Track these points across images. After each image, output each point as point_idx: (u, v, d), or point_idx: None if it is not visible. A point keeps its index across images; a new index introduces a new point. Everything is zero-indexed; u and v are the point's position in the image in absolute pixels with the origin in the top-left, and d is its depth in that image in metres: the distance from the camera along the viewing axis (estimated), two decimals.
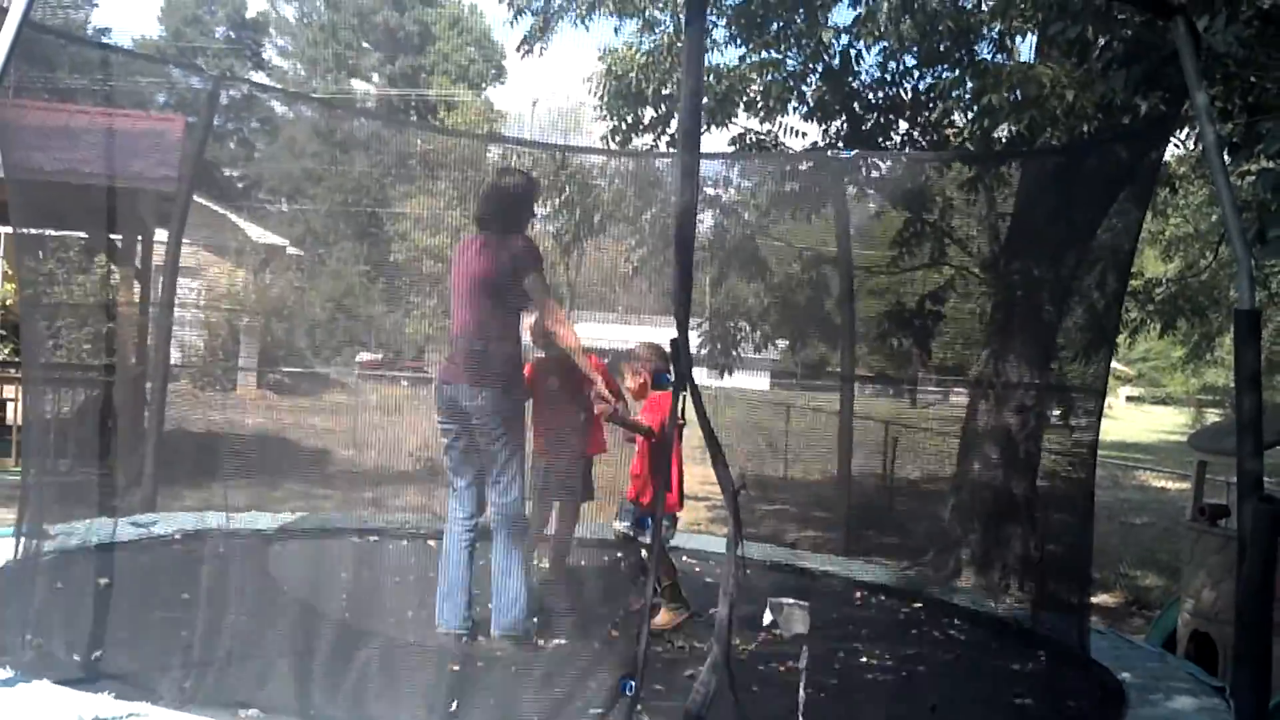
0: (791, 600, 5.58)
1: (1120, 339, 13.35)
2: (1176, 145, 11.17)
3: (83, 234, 12.28)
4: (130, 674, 4.10)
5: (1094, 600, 11.08)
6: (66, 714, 3.68)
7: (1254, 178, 9.08)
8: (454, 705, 3.96)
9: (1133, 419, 43.60)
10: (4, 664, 4.04)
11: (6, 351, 14.48)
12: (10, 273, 15.27)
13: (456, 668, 4.81)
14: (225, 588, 5.68)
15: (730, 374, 11.49)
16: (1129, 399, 54.13)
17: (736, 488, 3.76)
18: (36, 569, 5.45)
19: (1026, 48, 9.92)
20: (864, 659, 5.63)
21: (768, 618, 5.52)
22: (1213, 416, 33.99)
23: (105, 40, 38.92)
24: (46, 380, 9.12)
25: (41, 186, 6.40)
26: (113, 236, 12.05)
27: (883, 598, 7.32)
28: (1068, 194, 8.01)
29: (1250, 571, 4.46)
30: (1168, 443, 31.27)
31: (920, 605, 7.18)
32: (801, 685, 4.23)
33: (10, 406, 12.90)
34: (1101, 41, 8.27)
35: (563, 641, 5.29)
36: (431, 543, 7.58)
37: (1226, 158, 7.14)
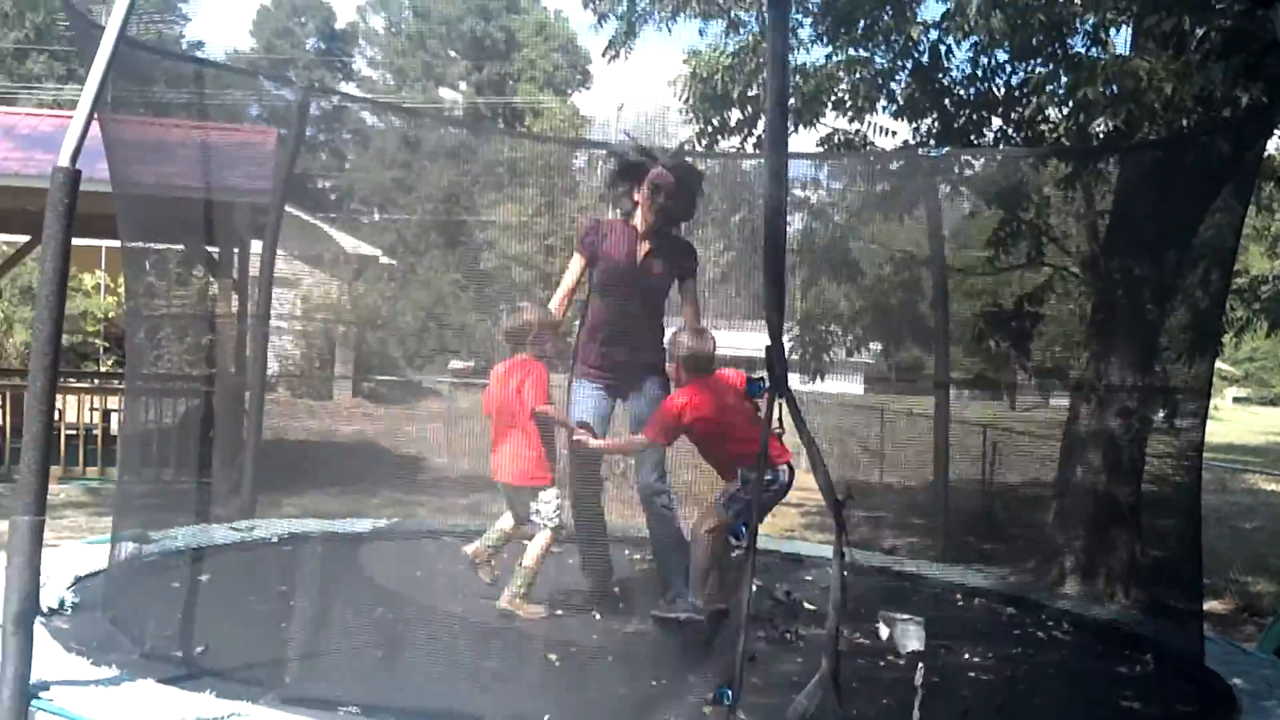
0: (906, 615, 5.48)
1: (1226, 338, 12.99)
2: None
3: (180, 246, 12.54)
4: (231, 673, 4.16)
5: (1204, 607, 10.82)
6: (169, 713, 3.74)
7: None
8: (546, 716, 3.93)
9: (1240, 420, 42.56)
10: (110, 663, 4.13)
11: (109, 364, 14.84)
12: (112, 285, 15.66)
13: (554, 659, 4.82)
14: (324, 588, 5.76)
15: (822, 379, 11.35)
16: (1235, 400, 52.86)
17: (842, 498, 3.68)
18: (140, 571, 5.58)
19: (1122, 40, 9.69)
20: (966, 656, 5.53)
21: (884, 632, 5.43)
22: None
23: (199, 54, 39.81)
24: (147, 390, 9.30)
25: (140, 200, 6.53)
26: (210, 249, 12.30)
27: (984, 600, 7.20)
28: (1168, 189, 7.81)
29: None
30: (1277, 445, 30.48)
31: (1023, 610, 7.05)
32: (916, 705, 4.12)
33: (114, 418, 13.21)
34: (1199, 32, 8.07)
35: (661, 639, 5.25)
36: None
37: None
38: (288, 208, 9.22)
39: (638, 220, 6.02)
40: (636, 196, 5.99)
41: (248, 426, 8.17)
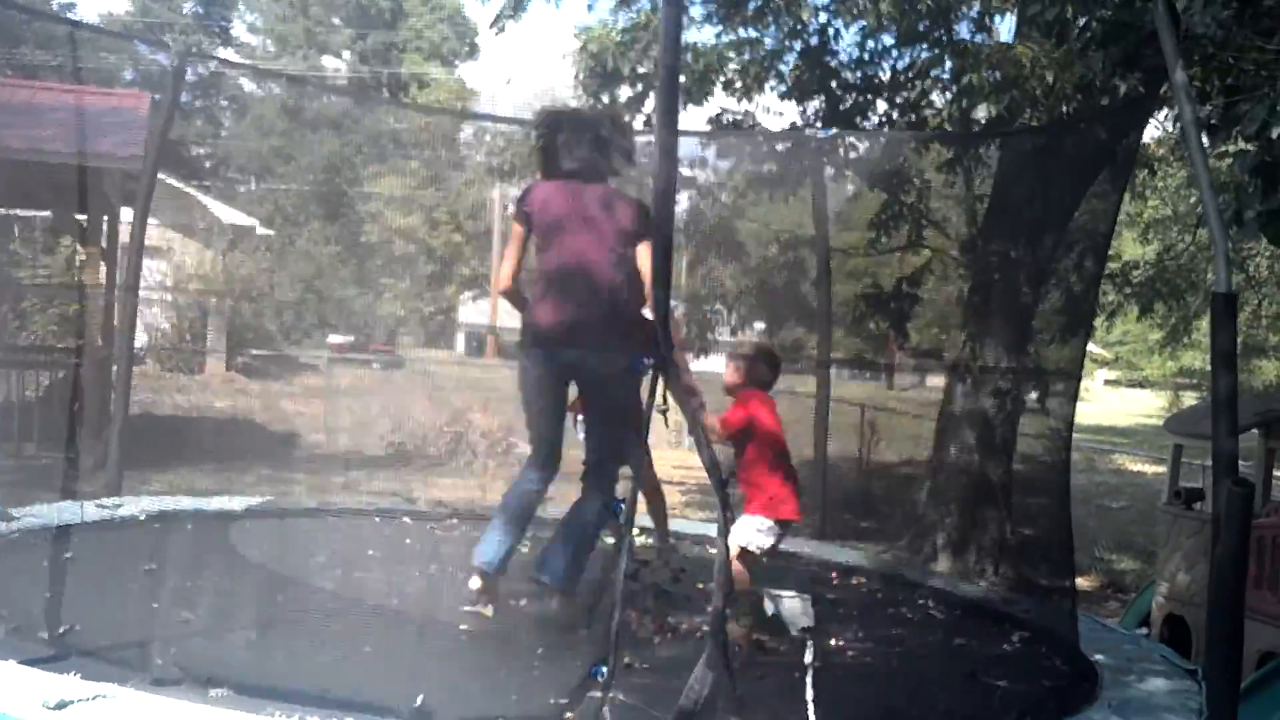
0: (793, 593, 5.44)
1: (1098, 321, 13.36)
2: (1155, 126, 11.16)
3: (47, 213, 12.12)
4: (99, 654, 4.01)
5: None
6: (32, 695, 3.58)
7: (1232, 159, 9.08)
8: (419, 697, 3.86)
9: (1110, 402, 43.89)
10: None
11: None
12: None
13: (431, 641, 4.73)
14: (193, 567, 5.59)
15: (705, 357, 11.42)
16: (1106, 382, 54.36)
17: (726, 477, 3.67)
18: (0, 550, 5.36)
19: (1006, 28, 9.88)
20: (839, 641, 5.56)
21: (769, 609, 5.40)
22: (1189, 400, 34.15)
23: (71, 15, 38.44)
24: (10, 363, 8.98)
25: (5, 165, 6.27)
26: (78, 216, 11.88)
27: (862, 580, 7.27)
28: (1046, 175, 7.97)
29: (1224, 554, 4.42)
30: (1144, 426, 31.50)
31: (895, 587, 7.13)
32: (809, 682, 4.11)
33: None
34: (1081, 22, 8.24)
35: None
36: (406, 519, 7.51)
37: (1204, 139, 7.10)
38: (161, 175, 8.91)
39: None
40: None
41: (114, 400, 7.91)
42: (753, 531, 5.23)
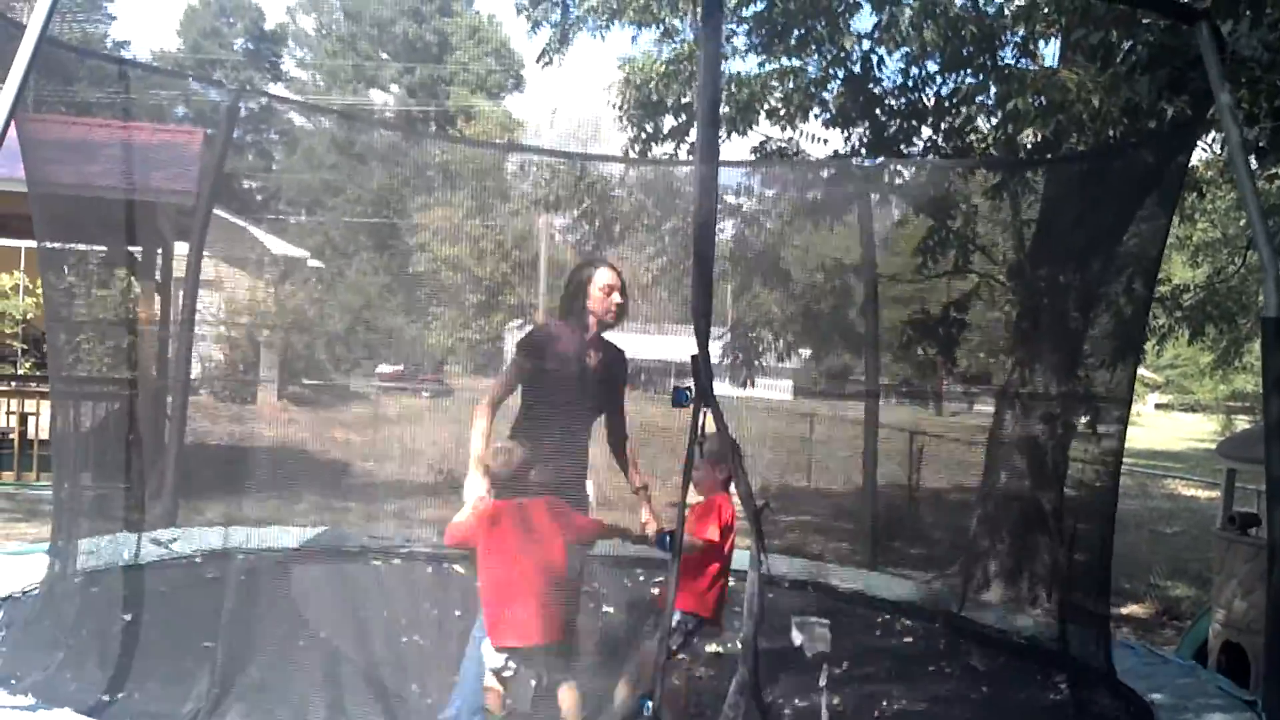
0: (814, 618, 5.44)
1: (1148, 345, 13.22)
2: (1204, 149, 11.07)
3: (102, 248, 12.31)
4: (153, 701, 4.06)
5: (1124, 611, 10.99)
6: None
7: None
8: None
9: (1161, 426, 43.34)
10: (25, 691, 4.01)
11: (27, 366, 14.49)
12: (31, 286, 15.32)
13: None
14: (245, 617, 5.62)
15: (752, 385, 11.40)
16: (1157, 406, 53.72)
17: (760, 505, 3.69)
18: (59, 594, 5.42)
19: (1051, 53, 9.83)
20: (886, 702, 5.49)
21: (797, 638, 5.38)
22: (1242, 423, 33.68)
23: (124, 54, 39.13)
24: (71, 394, 9.09)
25: (61, 200, 6.39)
26: (133, 250, 12.06)
27: (907, 622, 7.19)
28: (1093, 199, 7.91)
29: None
30: (1197, 450, 31.08)
31: (943, 631, 7.05)
32: (824, 704, 4.14)
33: (31, 421, 12.90)
34: (1125, 46, 8.21)
35: None
36: (458, 567, 7.51)
37: (1252, 162, 7.06)
38: (214, 209, 9.05)
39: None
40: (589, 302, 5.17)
41: (169, 431, 8.02)
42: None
